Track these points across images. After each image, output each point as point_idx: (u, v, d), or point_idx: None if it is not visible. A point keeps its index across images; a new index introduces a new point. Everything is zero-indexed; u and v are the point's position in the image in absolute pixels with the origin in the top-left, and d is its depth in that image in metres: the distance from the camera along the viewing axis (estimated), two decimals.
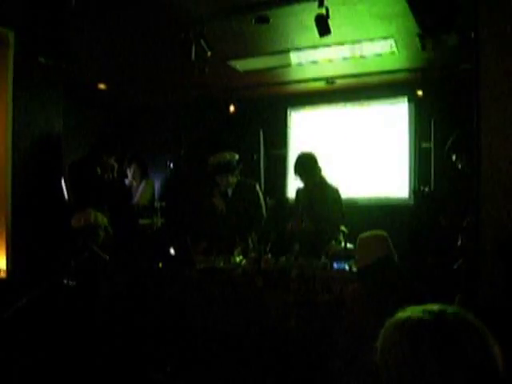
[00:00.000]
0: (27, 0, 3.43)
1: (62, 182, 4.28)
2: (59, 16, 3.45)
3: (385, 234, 2.44)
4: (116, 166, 4.46)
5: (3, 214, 3.60)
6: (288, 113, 6.58)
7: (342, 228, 3.96)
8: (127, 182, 5.45)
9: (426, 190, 5.39)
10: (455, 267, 3.37)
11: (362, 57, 4.80)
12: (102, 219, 3.54)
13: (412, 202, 5.80)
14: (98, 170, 4.31)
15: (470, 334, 0.91)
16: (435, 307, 0.97)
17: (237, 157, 4.19)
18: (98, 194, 4.16)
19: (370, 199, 5.93)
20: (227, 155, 4.16)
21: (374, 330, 1.05)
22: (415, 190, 5.67)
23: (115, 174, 4.49)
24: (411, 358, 0.91)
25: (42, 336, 2.81)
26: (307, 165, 3.92)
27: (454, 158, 3.69)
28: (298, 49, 4.63)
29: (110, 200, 4.27)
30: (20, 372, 2.66)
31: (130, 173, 5.49)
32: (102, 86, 5.85)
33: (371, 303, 2.20)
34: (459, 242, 3.41)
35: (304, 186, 4.02)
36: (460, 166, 3.64)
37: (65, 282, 3.06)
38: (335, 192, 3.98)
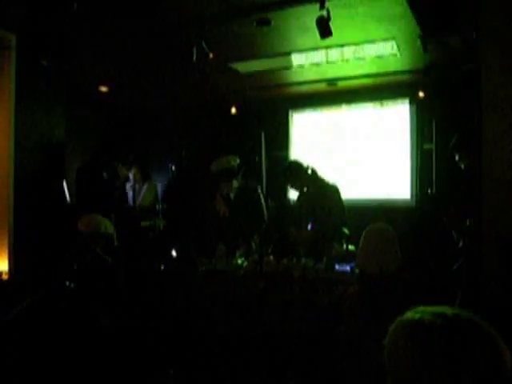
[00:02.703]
0: (29, 4, 3.45)
1: (64, 184, 4.29)
2: (61, 19, 3.46)
3: (392, 232, 2.37)
4: (127, 172, 4.50)
5: (5, 216, 3.61)
6: (289, 114, 6.59)
7: (344, 230, 3.95)
8: (130, 184, 5.46)
9: (433, 191, 5.38)
10: (455, 268, 3.37)
11: (363, 58, 4.80)
12: (108, 228, 3.52)
13: (414, 204, 5.80)
14: (104, 175, 4.33)
15: (482, 343, 0.89)
16: (448, 311, 0.94)
17: (238, 161, 4.18)
18: (103, 198, 4.17)
19: (371, 201, 5.92)
20: (229, 160, 4.13)
21: (374, 331, 1.05)
22: (422, 192, 5.66)
23: (121, 180, 4.53)
24: (420, 362, 0.90)
25: (44, 338, 2.81)
26: (290, 174, 3.94)
27: (457, 157, 3.68)
28: (299, 51, 4.64)
29: (114, 203, 4.29)
30: (22, 374, 2.66)
31: (131, 176, 5.50)
32: (103, 89, 5.86)
33: (370, 305, 2.19)
34: (461, 243, 3.40)
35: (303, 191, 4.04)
36: (463, 166, 3.63)
37: (67, 284, 3.06)
38: (335, 192, 3.96)
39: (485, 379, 0.86)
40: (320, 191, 3.91)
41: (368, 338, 1.85)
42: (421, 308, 0.98)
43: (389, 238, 2.33)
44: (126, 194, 5.11)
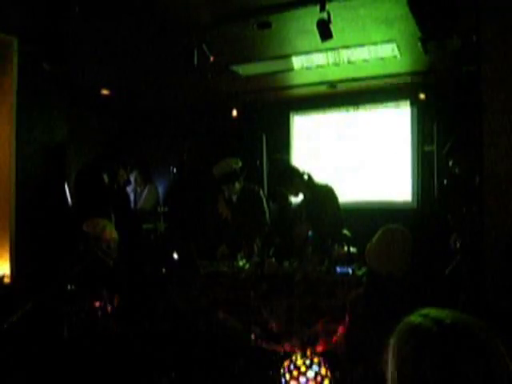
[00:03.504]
0: (30, 7, 3.46)
1: (66, 188, 4.29)
2: (62, 22, 3.47)
3: (409, 236, 2.32)
4: (126, 176, 4.50)
5: (7, 219, 3.62)
6: (290, 117, 6.59)
7: (346, 232, 3.95)
8: (131, 187, 5.47)
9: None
10: (447, 271, 3.37)
11: (364, 61, 4.80)
12: (112, 234, 3.50)
13: (415, 205, 5.80)
14: (105, 178, 4.34)
15: (474, 356, 0.87)
16: (448, 318, 0.93)
17: (240, 163, 4.19)
18: (103, 201, 4.17)
19: (373, 203, 5.92)
20: (232, 163, 4.14)
21: (377, 332, 1.05)
22: (424, 191, 5.65)
23: (122, 184, 4.52)
24: (412, 368, 0.90)
25: (46, 341, 2.81)
26: (283, 179, 3.96)
27: (450, 163, 3.70)
28: (300, 53, 4.64)
29: (115, 206, 4.29)
30: (23, 377, 2.66)
31: (132, 179, 5.51)
32: (105, 92, 5.87)
33: (376, 307, 2.17)
34: (458, 244, 3.40)
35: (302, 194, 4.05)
36: (457, 170, 3.65)
37: (68, 287, 3.06)
38: (329, 194, 3.95)
39: None
40: (315, 195, 3.92)
41: (372, 340, 1.85)
42: (425, 310, 0.97)
43: (406, 241, 2.31)
44: (127, 196, 5.10)
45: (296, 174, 3.94)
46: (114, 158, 4.45)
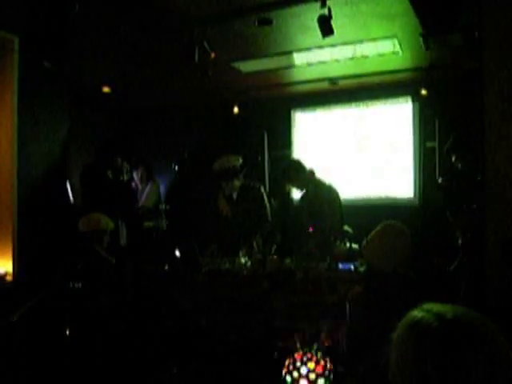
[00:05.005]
0: (31, 5, 3.45)
1: (68, 185, 4.30)
2: (63, 21, 3.47)
3: (408, 233, 2.31)
4: (129, 167, 4.51)
5: (9, 217, 3.62)
6: (292, 114, 6.58)
7: (347, 228, 3.95)
8: (133, 184, 5.47)
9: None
10: (452, 268, 3.36)
11: (365, 57, 4.79)
12: (109, 224, 3.54)
13: (417, 202, 5.79)
14: (109, 174, 4.35)
15: (475, 351, 0.87)
16: (450, 313, 0.93)
17: (240, 160, 4.19)
18: (107, 197, 4.19)
19: (374, 199, 5.91)
20: (231, 160, 4.14)
21: (377, 329, 1.05)
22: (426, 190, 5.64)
23: (126, 177, 4.54)
24: (412, 363, 0.90)
25: (49, 338, 2.82)
26: (291, 173, 3.96)
27: (453, 158, 3.70)
28: (301, 50, 4.63)
29: (119, 202, 4.30)
30: (27, 374, 2.68)
31: (136, 176, 5.51)
32: (106, 90, 5.87)
33: (375, 304, 2.18)
34: (460, 240, 3.40)
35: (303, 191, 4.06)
36: (460, 166, 3.65)
37: (71, 284, 3.07)
38: (332, 192, 3.97)
39: None
40: (318, 191, 3.93)
41: (374, 336, 1.85)
42: (428, 305, 0.97)
43: (404, 237, 2.29)
44: (133, 192, 5.10)
45: (302, 168, 3.96)
46: (117, 153, 4.46)
